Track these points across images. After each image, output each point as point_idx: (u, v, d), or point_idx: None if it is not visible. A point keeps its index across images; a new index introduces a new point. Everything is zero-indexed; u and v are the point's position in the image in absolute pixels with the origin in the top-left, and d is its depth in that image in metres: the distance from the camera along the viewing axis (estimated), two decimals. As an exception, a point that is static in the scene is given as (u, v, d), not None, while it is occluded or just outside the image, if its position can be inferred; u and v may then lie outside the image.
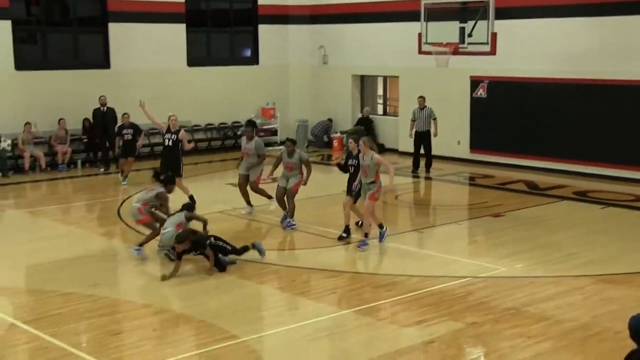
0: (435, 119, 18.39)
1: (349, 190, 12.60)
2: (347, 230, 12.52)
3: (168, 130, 14.90)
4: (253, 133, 14.27)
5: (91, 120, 19.81)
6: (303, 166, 13.38)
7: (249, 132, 14.20)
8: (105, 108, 19.34)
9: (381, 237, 12.30)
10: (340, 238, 12.44)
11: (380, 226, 12.30)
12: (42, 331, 8.62)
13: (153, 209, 11.74)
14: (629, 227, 13.49)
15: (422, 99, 18.40)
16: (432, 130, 18.48)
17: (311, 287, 10.34)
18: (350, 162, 12.61)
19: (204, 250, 10.71)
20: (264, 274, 10.86)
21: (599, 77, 17.57)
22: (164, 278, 10.37)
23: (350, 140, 12.68)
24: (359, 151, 12.18)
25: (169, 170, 13.55)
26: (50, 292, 10.03)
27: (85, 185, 18.00)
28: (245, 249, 11.22)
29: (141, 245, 11.57)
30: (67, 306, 9.47)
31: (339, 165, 13.03)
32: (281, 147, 22.98)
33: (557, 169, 18.50)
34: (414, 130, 18.65)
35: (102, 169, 19.45)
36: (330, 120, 23.51)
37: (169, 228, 11.27)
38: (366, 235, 12.04)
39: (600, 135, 17.73)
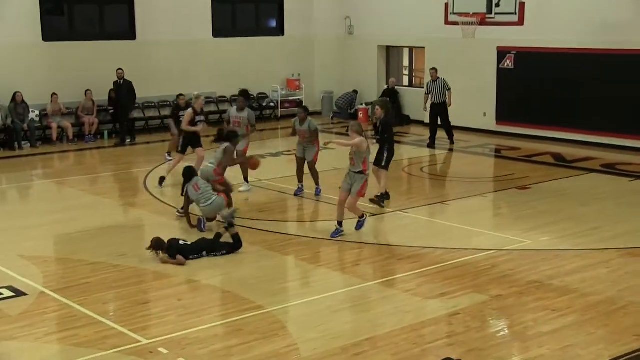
0: (449, 89, 18.27)
1: (377, 160, 12.76)
2: (383, 196, 12.87)
3: (198, 113, 14.19)
4: (245, 103, 14.10)
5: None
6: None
7: (242, 103, 13.96)
8: (122, 81, 19.32)
9: (359, 225, 11.40)
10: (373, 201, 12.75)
11: (361, 216, 11.38)
12: (70, 300, 8.77)
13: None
14: (656, 200, 13.37)
15: (434, 70, 18.32)
16: (448, 102, 18.36)
17: (336, 259, 10.40)
18: (377, 125, 12.92)
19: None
20: (288, 245, 10.94)
21: (629, 47, 17.31)
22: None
23: (377, 107, 12.90)
24: (386, 118, 12.62)
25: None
26: (78, 262, 10.17)
27: (112, 155, 18.14)
28: (218, 235, 10.47)
29: (229, 205, 11.40)
30: (94, 275, 9.61)
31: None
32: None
33: (585, 140, 18.33)
34: (429, 102, 18.55)
35: (115, 143, 19.25)
36: (355, 91, 23.42)
37: (211, 164, 11.94)
38: (340, 223, 11.20)
39: (630, 106, 17.51)
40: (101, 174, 16.46)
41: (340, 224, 11.24)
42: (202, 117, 14.31)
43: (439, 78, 18.17)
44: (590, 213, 12.54)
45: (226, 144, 12.21)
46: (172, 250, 10.11)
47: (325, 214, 12.75)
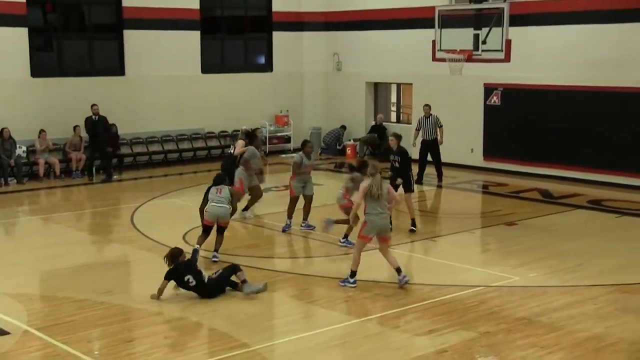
0: (441, 126, 18.35)
1: (406, 187, 13.45)
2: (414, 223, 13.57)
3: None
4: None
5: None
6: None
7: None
8: (97, 117, 19.24)
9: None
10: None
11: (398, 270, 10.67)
12: (55, 338, 8.67)
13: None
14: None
15: (427, 107, 18.41)
16: (439, 139, 18.42)
17: (323, 296, 10.34)
18: (392, 157, 13.59)
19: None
20: (275, 282, 10.86)
21: (615, 84, 17.47)
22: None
23: (391, 137, 13.78)
24: (400, 148, 13.42)
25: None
26: (63, 299, 10.08)
27: (100, 192, 18.07)
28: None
29: (346, 236, 12.49)
30: (80, 313, 9.51)
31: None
32: (293, 154, 23.09)
33: (571, 177, 18.42)
34: (419, 139, 18.63)
35: (102, 179, 19.09)
36: (343, 127, 23.49)
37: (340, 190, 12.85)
38: (353, 274, 10.63)
39: (615, 143, 17.63)
40: (88, 210, 16.39)
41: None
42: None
43: (431, 115, 18.27)
44: (577, 249, 12.55)
45: (356, 174, 12.56)
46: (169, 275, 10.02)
47: (313, 250, 12.71)
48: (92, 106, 19.15)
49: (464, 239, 13.43)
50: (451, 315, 9.40)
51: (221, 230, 11.85)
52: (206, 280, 9.99)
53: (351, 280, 10.51)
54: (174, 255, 10.13)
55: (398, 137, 13.72)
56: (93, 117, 19.16)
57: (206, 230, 11.77)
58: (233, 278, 10.17)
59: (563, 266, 11.52)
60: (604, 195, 16.90)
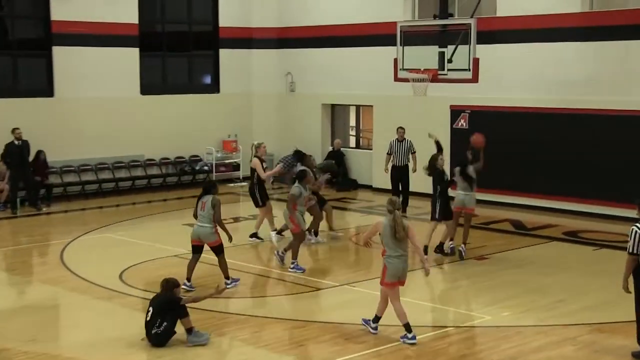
0: (414, 152, 18.44)
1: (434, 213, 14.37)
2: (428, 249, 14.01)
3: (264, 160, 15.96)
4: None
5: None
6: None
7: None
8: (20, 142, 18.92)
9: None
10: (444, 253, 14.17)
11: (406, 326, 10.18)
12: (-28, 392, 8.41)
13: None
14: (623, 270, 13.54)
15: (402, 130, 18.45)
16: (411, 166, 18.49)
17: (277, 339, 10.23)
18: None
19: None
20: (225, 324, 10.75)
21: (590, 107, 17.76)
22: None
23: (441, 156, 14.62)
24: (441, 171, 14.31)
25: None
26: (-18, 348, 9.81)
27: (25, 226, 17.75)
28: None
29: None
30: (0, 364, 9.27)
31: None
32: (243, 183, 23.07)
33: (545, 206, 18.61)
34: (390, 164, 18.66)
35: (13, 211, 18.79)
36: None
37: None
38: (376, 319, 10.35)
39: (592, 170, 17.87)
40: (11, 247, 16.05)
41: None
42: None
43: (405, 139, 18.33)
44: (553, 285, 12.64)
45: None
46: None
47: (266, 289, 12.60)
48: (13, 130, 18.80)
49: (431, 275, 13.35)
50: (419, 359, 9.33)
51: (216, 251, 12.20)
52: (154, 330, 9.79)
53: (373, 325, 10.27)
54: (167, 283, 10.03)
55: (430, 164, 14.53)
56: (16, 142, 18.83)
57: (194, 250, 12.22)
58: (180, 323, 9.99)
59: (538, 304, 11.57)
60: (580, 226, 17.09)
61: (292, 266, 13.34)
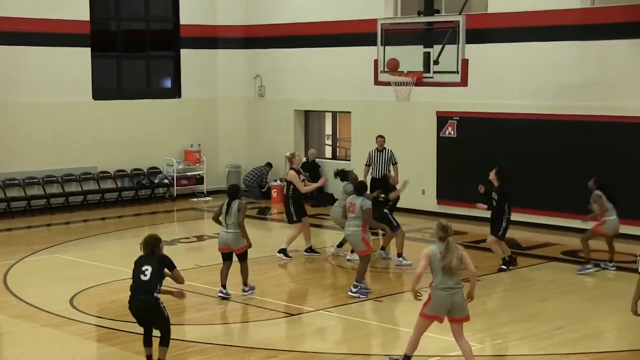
0: (395, 163, 18.47)
1: (493, 228, 14.96)
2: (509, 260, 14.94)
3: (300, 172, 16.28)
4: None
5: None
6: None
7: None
8: None
9: None
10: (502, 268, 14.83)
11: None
12: None
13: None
14: (630, 293, 13.56)
15: (382, 138, 18.48)
16: (393, 178, 18.48)
17: (246, 371, 10.21)
18: (493, 195, 14.92)
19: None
20: (188, 354, 10.70)
21: (591, 113, 17.90)
22: None
23: (494, 171, 15.03)
24: (501, 186, 14.76)
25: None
26: None
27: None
28: None
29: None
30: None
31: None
32: (207, 198, 23.04)
33: (542, 223, 18.71)
34: (369, 176, 18.68)
35: None
36: (269, 165, 23.45)
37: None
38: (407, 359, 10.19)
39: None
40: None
41: None
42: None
43: (385, 148, 18.35)
44: (551, 310, 12.70)
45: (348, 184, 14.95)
46: None
47: (235, 315, 12.57)
48: None
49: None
50: (403, 392, 9.35)
51: (240, 258, 13.13)
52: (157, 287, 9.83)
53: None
54: (153, 239, 9.98)
55: (499, 173, 14.97)
56: None
57: (225, 258, 13.21)
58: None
59: (536, 331, 11.61)
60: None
61: (355, 290, 13.31)
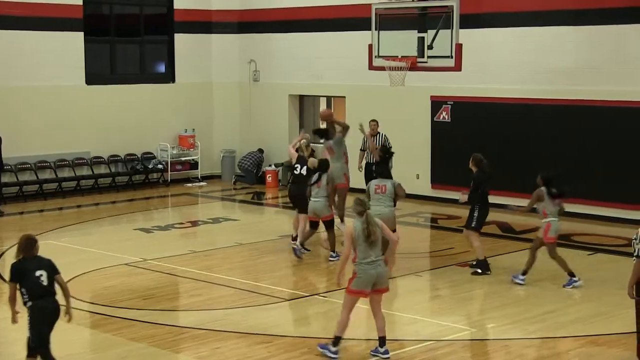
0: (390, 148, 18.51)
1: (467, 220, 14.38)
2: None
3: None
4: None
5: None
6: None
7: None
8: None
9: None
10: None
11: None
12: None
13: None
14: (622, 277, 13.67)
15: (374, 123, 18.50)
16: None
17: (239, 355, 10.29)
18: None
19: None
20: (182, 340, 10.79)
21: (587, 97, 17.98)
22: None
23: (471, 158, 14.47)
24: (476, 173, 14.19)
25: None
26: None
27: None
28: None
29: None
30: None
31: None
32: (202, 183, 23.11)
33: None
34: (363, 162, 18.76)
35: None
36: (261, 150, 23.48)
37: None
38: (337, 340, 10.16)
39: (587, 167, 18.07)
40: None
41: None
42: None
43: (379, 133, 18.39)
44: (543, 294, 12.80)
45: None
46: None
47: (227, 300, 12.66)
48: None
49: (410, 283, 13.56)
50: (395, 376, 9.47)
51: (327, 225, 14.63)
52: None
53: (332, 349, 9.97)
54: (26, 243, 9.32)
55: (473, 160, 14.40)
56: None
57: (312, 225, 14.79)
58: None
59: (527, 315, 11.72)
60: (573, 228, 17.25)
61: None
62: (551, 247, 13.24)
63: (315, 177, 14.62)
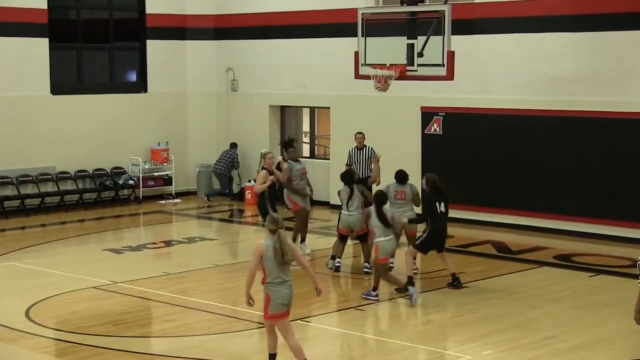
0: (378, 161, 18.48)
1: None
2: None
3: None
4: None
5: None
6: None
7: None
8: None
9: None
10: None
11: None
12: None
13: None
14: (626, 300, 13.71)
15: (361, 135, 18.45)
16: (373, 177, 18.50)
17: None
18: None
19: None
20: (153, 369, 10.75)
21: (585, 108, 18.02)
22: None
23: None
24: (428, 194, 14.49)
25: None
26: None
27: None
28: None
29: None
30: None
31: None
32: (176, 200, 23.04)
33: (533, 225, 18.79)
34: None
35: None
36: (234, 145, 23.33)
37: None
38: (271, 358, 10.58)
39: (589, 183, 18.11)
40: None
41: None
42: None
43: (365, 146, 18.31)
44: (542, 318, 12.79)
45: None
46: None
47: (203, 326, 12.60)
48: None
49: (400, 307, 13.52)
50: (384, 407, 9.43)
51: (361, 238, 15.17)
52: None
53: None
54: None
55: (426, 180, 14.72)
56: None
57: (341, 239, 15.45)
58: None
59: (524, 340, 11.69)
60: (574, 248, 17.30)
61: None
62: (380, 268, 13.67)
63: (346, 190, 15.25)
